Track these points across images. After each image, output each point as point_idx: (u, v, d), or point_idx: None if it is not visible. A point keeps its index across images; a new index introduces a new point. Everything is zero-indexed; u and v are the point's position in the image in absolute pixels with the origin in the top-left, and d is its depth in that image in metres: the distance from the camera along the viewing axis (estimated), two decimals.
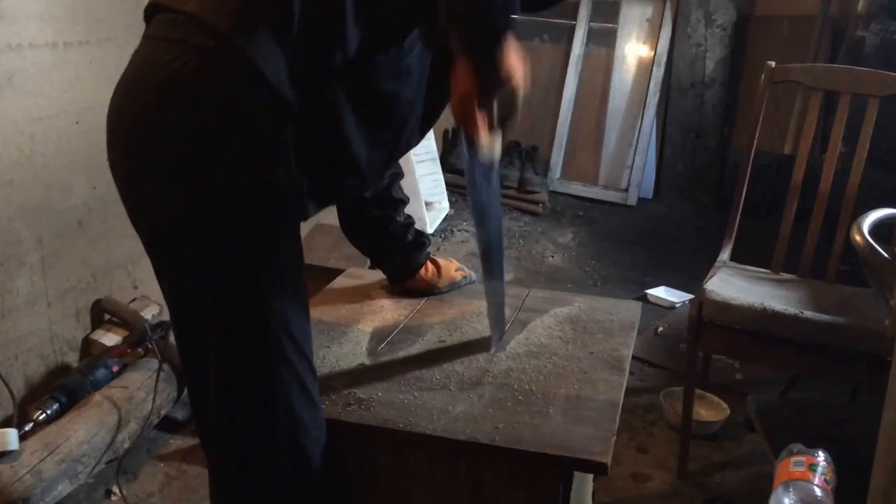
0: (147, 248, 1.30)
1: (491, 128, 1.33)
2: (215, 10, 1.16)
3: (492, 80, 1.25)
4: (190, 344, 1.32)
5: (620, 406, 1.40)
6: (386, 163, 1.44)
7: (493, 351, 1.56)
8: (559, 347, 1.60)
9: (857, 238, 1.39)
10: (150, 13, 1.27)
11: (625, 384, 1.47)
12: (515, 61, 1.25)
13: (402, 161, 1.76)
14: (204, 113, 1.16)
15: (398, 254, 1.81)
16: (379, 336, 1.63)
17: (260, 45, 1.15)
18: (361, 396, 1.40)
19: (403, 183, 1.79)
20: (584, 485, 1.65)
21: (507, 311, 1.75)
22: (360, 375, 1.47)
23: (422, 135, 1.44)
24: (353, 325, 1.68)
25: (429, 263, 1.85)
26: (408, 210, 1.82)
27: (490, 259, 1.61)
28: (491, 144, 1.36)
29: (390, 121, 1.34)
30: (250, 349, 1.25)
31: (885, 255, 1.31)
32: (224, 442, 1.32)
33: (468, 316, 1.69)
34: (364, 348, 1.58)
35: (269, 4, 1.17)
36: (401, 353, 1.56)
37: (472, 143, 1.34)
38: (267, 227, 1.22)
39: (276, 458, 1.28)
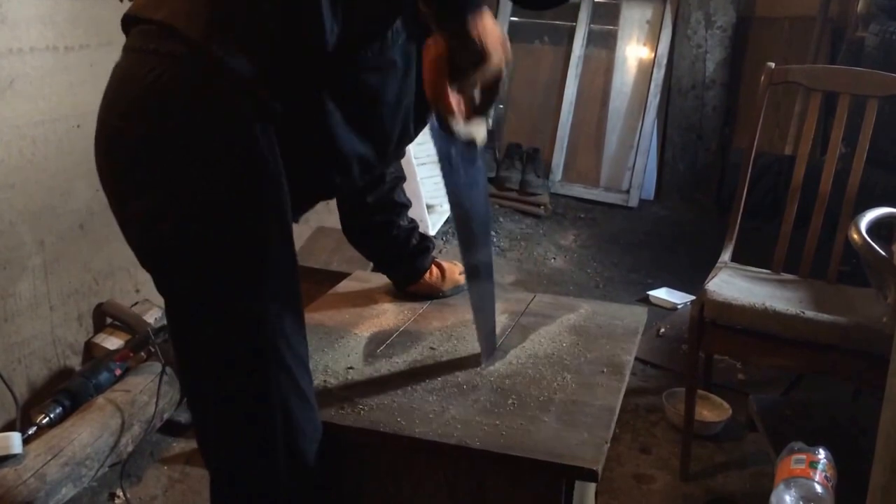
0: (139, 261, 1.28)
1: (471, 110, 1.29)
2: (185, 16, 1.15)
3: (464, 51, 1.18)
4: (186, 353, 1.31)
5: (617, 412, 1.39)
6: (379, 160, 1.38)
7: (483, 365, 1.53)
8: (560, 352, 1.59)
9: (855, 236, 1.39)
10: (126, 25, 1.26)
11: (623, 390, 1.46)
12: (492, 38, 1.19)
13: (402, 164, 1.77)
14: (182, 121, 1.14)
15: (402, 259, 1.80)
16: (378, 340, 1.63)
17: (233, 47, 1.13)
18: (356, 399, 1.39)
19: (405, 185, 1.78)
20: (587, 486, 1.64)
21: (507, 318, 1.73)
22: (355, 379, 1.47)
23: (416, 131, 1.39)
24: (354, 329, 1.67)
25: (433, 267, 1.84)
26: (409, 213, 1.80)
27: (473, 255, 1.53)
28: (475, 125, 1.32)
29: (377, 116, 1.30)
30: (247, 357, 1.24)
31: (882, 253, 1.32)
32: (222, 448, 1.32)
33: (470, 321, 1.68)
34: (362, 352, 1.58)
35: (240, 5, 1.15)
36: (398, 358, 1.55)
37: (445, 122, 1.27)
38: (255, 231, 1.20)
39: (274, 464, 1.27)
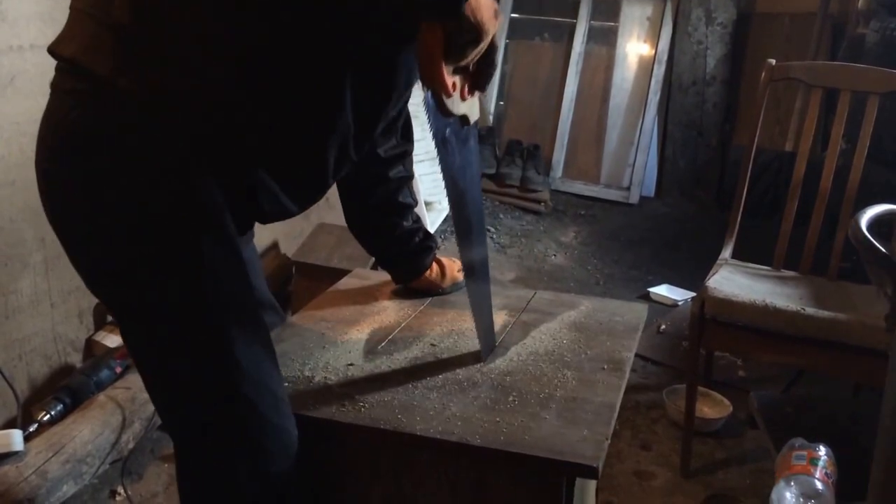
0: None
1: (467, 88, 1.26)
2: (91, 51, 1.11)
3: (460, 30, 1.13)
4: (142, 371, 1.30)
5: (617, 409, 1.38)
6: (315, 189, 1.33)
7: (484, 361, 1.52)
8: (560, 349, 1.59)
9: (855, 233, 1.39)
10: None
11: (623, 386, 1.46)
12: (486, 11, 1.13)
13: None
14: (101, 162, 1.12)
15: (404, 257, 1.79)
16: (378, 337, 1.63)
17: (141, 79, 1.09)
18: (356, 397, 1.39)
19: None
20: (588, 483, 1.64)
21: (507, 315, 1.73)
22: (356, 376, 1.47)
23: (358, 153, 1.32)
24: (354, 326, 1.67)
25: (433, 263, 1.83)
26: None
27: (470, 242, 1.51)
28: (469, 102, 1.29)
29: (306, 143, 1.24)
30: (198, 388, 1.23)
31: (883, 250, 1.31)
32: (188, 460, 1.32)
33: (469, 318, 1.68)
34: (362, 349, 1.58)
35: (145, 33, 1.10)
36: (398, 355, 1.55)
37: (442, 104, 1.23)
38: (200, 267, 1.18)
39: (238, 481, 1.26)
